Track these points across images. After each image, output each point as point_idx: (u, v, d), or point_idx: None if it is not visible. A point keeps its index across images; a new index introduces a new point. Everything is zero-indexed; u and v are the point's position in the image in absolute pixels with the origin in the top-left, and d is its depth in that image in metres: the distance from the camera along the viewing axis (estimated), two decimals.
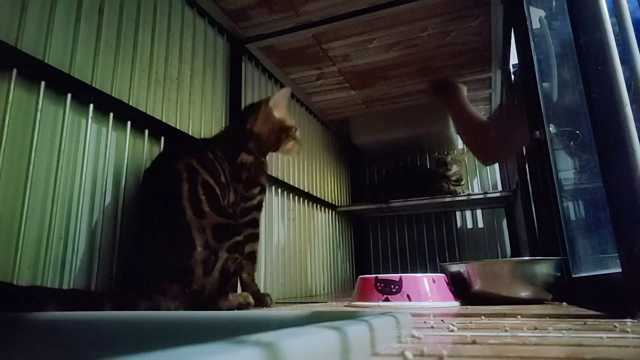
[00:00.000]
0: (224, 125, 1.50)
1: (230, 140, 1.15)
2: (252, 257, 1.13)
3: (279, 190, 1.79)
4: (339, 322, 0.33)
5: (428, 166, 2.66)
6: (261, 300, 1.08)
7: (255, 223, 1.14)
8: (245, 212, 1.12)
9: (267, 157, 1.24)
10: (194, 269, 0.83)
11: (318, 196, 2.17)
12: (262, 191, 1.16)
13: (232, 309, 0.88)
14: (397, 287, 0.98)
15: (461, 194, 2.24)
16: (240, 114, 1.27)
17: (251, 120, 1.18)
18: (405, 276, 0.99)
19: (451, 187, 2.27)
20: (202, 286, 0.84)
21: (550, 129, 1.07)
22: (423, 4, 1.49)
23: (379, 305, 0.96)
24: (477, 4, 1.51)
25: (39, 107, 0.85)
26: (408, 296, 0.96)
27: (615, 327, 0.48)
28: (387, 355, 0.33)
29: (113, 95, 1.03)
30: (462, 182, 2.32)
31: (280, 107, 1.21)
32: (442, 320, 0.60)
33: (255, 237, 1.14)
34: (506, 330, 0.48)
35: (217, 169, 1.01)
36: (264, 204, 1.18)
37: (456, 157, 2.30)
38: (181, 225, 0.86)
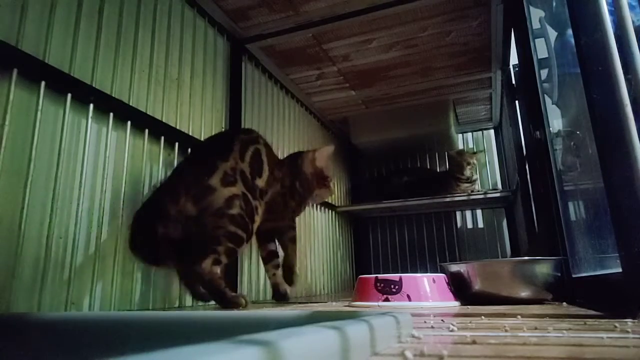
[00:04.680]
0: (223, 125, 1.50)
1: (284, 167, 1.29)
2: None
3: None
4: (339, 322, 0.33)
5: (429, 166, 2.66)
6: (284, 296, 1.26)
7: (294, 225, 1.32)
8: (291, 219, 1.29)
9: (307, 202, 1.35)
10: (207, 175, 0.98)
11: None
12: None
13: (206, 287, 0.94)
14: (397, 287, 0.98)
15: (462, 194, 2.24)
16: (291, 157, 1.37)
17: (302, 162, 1.32)
18: (405, 276, 0.99)
19: (463, 185, 2.25)
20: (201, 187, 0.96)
21: (550, 129, 1.07)
22: (423, 4, 1.49)
23: (379, 305, 0.96)
24: (477, 4, 1.51)
25: (39, 107, 0.85)
26: (408, 296, 0.96)
27: (616, 327, 0.48)
28: (387, 355, 0.33)
29: (113, 95, 1.03)
30: (475, 178, 2.31)
31: (322, 160, 1.33)
32: (442, 320, 0.60)
33: (294, 240, 1.29)
34: (506, 330, 0.48)
35: (272, 165, 1.16)
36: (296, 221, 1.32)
37: (470, 156, 2.28)
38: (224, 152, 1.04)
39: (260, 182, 1.10)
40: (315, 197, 1.36)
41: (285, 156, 1.37)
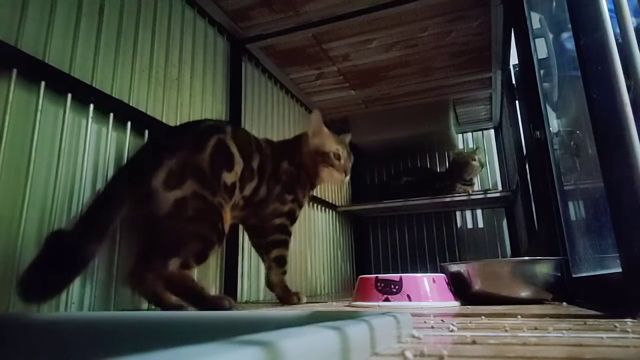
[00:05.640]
0: None
1: (282, 147, 1.22)
2: (279, 260, 1.16)
3: None
4: (339, 322, 0.33)
5: (428, 166, 2.66)
6: (289, 299, 1.14)
7: (284, 229, 1.17)
8: (277, 214, 1.15)
9: (315, 185, 1.26)
10: (153, 180, 0.85)
11: (318, 196, 2.17)
12: (295, 201, 1.18)
13: (179, 293, 0.85)
14: (397, 287, 0.98)
15: (462, 194, 2.23)
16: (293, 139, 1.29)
17: (303, 142, 1.24)
18: (406, 276, 0.99)
19: (463, 186, 2.25)
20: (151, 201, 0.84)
21: (551, 129, 1.07)
22: (423, 4, 1.49)
23: (379, 305, 0.96)
24: (477, 4, 1.51)
25: (39, 107, 0.85)
26: (408, 296, 0.96)
27: (616, 327, 0.48)
28: (387, 355, 0.33)
29: (113, 95, 1.03)
30: (474, 182, 2.31)
31: (317, 132, 1.23)
32: (442, 320, 0.60)
33: (281, 243, 1.16)
34: (506, 330, 0.48)
35: (251, 152, 1.06)
36: (297, 218, 1.21)
37: (474, 156, 2.27)
38: (175, 145, 0.91)
39: (229, 178, 0.97)
40: (324, 182, 1.27)
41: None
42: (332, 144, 1.23)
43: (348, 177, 1.27)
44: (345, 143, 1.29)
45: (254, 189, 1.08)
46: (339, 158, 1.22)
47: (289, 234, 1.19)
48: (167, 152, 0.88)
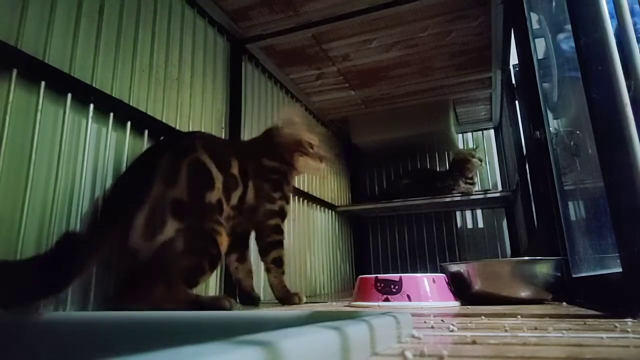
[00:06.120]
0: (223, 125, 1.50)
1: (257, 145, 1.21)
2: (278, 262, 1.16)
3: None
4: (339, 322, 0.33)
5: (429, 166, 2.66)
6: (289, 299, 1.13)
7: (278, 229, 1.17)
8: (269, 215, 1.14)
9: (293, 176, 1.24)
10: (135, 225, 0.81)
11: (318, 196, 2.17)
12: (283, 198, 1.17)
13: (178, 308, 0.81)
14: (397, 287, 0.98)
15: (462, 194, 2.23)
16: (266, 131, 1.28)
17: (275, 134, 1.22)
18: (406, 276, 0.99)
19: (465, 185, 2.25)
20: (137, 250, 0.82)
21: (551, 129, 1.07)
22: (423, 4, 1.49)
23: (379, 305, 0.96)
24: (477, 4, 1.51)
25: (39, 107, 0.85)
26: (408, 296, 0.96)
27: (616, 327, 0.48)
28: (387, 355, 0.33)
29: (113, 95, 1.03)
30: (475, 181, 2.30)
31: (289, 122, 1.22)
32: (442, 320, 0.60)
33: (278, 244, 1.17)
34: (506, 330, 0.48)
35: (229, 160, 1.02)
36: (287, 214, 1.20)
37: (473, 153, 2.26)
38: (146, 182, 0.86)
39: (213, 196, 0.93)
40: (300, 172, 1.24)
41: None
42: (304, 133, 1.22)
43: (326, 166, 1.25)
44: (317, 132, 1.28)
45: (241, 196, 1.04)
46: (312, 146, 1.21)
47: (283, 233, 1.19)
48: (139, 196, 0.84)
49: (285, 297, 1.15)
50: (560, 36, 0.97)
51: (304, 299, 1.16)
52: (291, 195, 1.23)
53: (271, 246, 1.16)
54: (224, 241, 0.93)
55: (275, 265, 1.16)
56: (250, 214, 1.10)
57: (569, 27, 0.67)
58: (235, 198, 1.03)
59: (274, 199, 1.15)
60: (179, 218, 0.86)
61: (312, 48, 1.75)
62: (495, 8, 1.48)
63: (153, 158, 0.92)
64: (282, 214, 1.17)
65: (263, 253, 1.17)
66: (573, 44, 0.65)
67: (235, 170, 1.03)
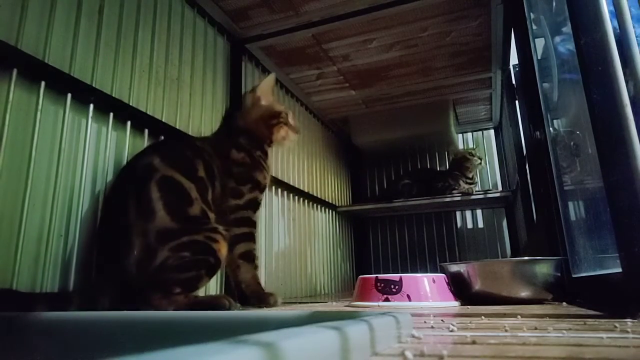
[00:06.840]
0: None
1: (221, 136, 1.16)
2: (247, 256, 1.08)
3: (279, 190, 1.79)
4: (339, 322, 0.33)
5: (429, 166, 2.66)
6: (264, 300, 1.04)
7: (248, 222, 1.09)
8: (234, 209, 1.07)
9: (268, 153, 1.20)
10: (127, 268, 0.81)
11: (318, 196, 2.17)
12: (255, 189, 1.11)
13: (178, 309, 0.82)
14: (397, 287, 0.98)
15: (462, 194, 2.23)
16: (227, 112, 1.25)
17: (238, 115, 1.17)
18: (406, 276, 0.99)
19: (465, 185, 2.25)
20: (133, 281, 0.81)
21: (551, 129, 1.07)
22: (423, 4, 1.49)
23: (379, 305, 0.96)
24: (477, 4, 1.51)
25: (39, 107, 0.85)
26: (408, 296, 0.96)
27: (616, 327, 0.48)
28: (387, 355, 0.33)
29: (113, 95, 1.03)
30: (476, 181, 2.31)
31: (266, 94, 1.20)
32: (442, 320, 0.60)
33: (248, 237, 1.08)
34: (506, 330, 0.48)
35: (193, 164, 0.96)
36: (262, 202, 1.15)
37: (471, 152, 2.26)
38: (123, 227, 0.83)
39: (195, 209, 0.90)
40: (278, 143, 1.20)
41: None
42: (279, 105, 1.22)
43: (298, 136, 1.24)
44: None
45: (212, 198, 0.99)
46: (287, 116, 1.20)
47: (253, 225, 1.10)
48: (123, 241, 0.82)
49: (258, 297, 1.05)
50: (557, 39, 0.97)
51: (280, 302, 1.07)
52: (269, 177, 1.17)
53: (237, 239, 1.06)
54: (222, 247, 0.91)
55: (245, 260, 1.07)
56: (217, 208, 1.02)
57: (566, 29, 0.67)
58: (211, 199, 0.98)
59: (241, 193, 1.08)
60: (167, 241, 0.84)
61: (312, 48, 1.75)
62: (495, 8, 1.48)
63: (127, 184, 0.89)
64: (252, 205, 1.10)
65: (229, 249, 1.02)
66: (570, 47, 0.65)
67: (202, 172, 0.97)
